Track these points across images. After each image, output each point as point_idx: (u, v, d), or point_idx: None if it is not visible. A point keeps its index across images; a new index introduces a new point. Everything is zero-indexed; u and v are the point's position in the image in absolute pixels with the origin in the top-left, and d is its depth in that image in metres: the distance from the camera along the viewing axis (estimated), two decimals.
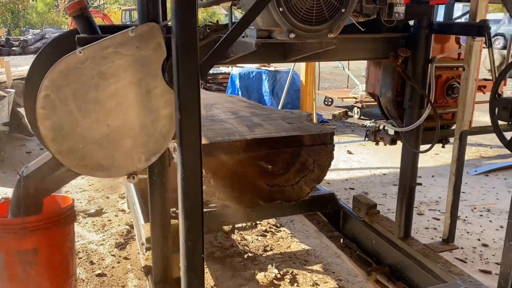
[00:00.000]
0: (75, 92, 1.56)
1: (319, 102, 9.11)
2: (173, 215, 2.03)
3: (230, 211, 2.44)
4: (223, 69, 8.89)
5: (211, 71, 8.75)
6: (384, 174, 5.28)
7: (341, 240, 2.67)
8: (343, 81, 13.72)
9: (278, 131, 2.27)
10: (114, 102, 1.61)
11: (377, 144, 2.96)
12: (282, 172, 2.21)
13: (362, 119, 8.30)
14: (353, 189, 4.80)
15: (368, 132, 2.94)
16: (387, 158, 5.81)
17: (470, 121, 2.39)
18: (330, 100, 9.43)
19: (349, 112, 8.74)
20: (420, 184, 2.60)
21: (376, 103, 2.84)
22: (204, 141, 2.07)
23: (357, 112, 8.31)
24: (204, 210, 2.60)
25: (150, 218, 1.94)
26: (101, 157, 1.65)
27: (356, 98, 8.33)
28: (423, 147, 2.49)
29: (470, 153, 6.10)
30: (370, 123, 8.72)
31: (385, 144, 2.92)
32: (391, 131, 2.78)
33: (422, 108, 2.34)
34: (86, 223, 3.83)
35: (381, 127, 2.90)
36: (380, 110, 2.96)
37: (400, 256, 2.30)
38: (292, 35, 1.53)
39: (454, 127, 2.71)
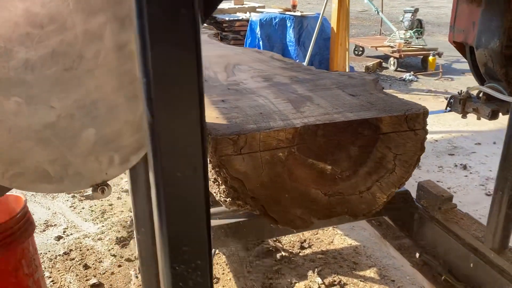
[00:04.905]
0: None
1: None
2: None
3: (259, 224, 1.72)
4: (240, 15, 7.88)
5: (226, 18, 7.75)
6: (436, 141, 4.46)
7: (417, 254, 1.93)
8: (371, 27, 12.52)
9: (340, 110, 1.48)
10: (58, 67, 0.85)
11: (464, 117, 2.15)
12: (348, 174, 1.44)
13: (399, 71, 7.32)
14: None
15: (452, 101, 2.12)
16: (435, 119, 4.95)
17: None
18: (361, 49, 8.42)
19: (383, 63, 7.75)
20: None
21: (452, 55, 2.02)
22: (227, 129, 1.30)
23: (394, 63, 7.34)
24: (225, 221, 1.90)
25: (135, 234, 1.23)
26: (45, 161, 0.92)
27: (392, 47, 7.32)
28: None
29: None
30: (410, 75, 7.55)
31: (478, 118, 2.10)
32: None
33: None
34: (83, 208, 3.17)
35: (473, 93, 2.08)
36: (471, 68, 2.13)
37: None
38: None
39: None
